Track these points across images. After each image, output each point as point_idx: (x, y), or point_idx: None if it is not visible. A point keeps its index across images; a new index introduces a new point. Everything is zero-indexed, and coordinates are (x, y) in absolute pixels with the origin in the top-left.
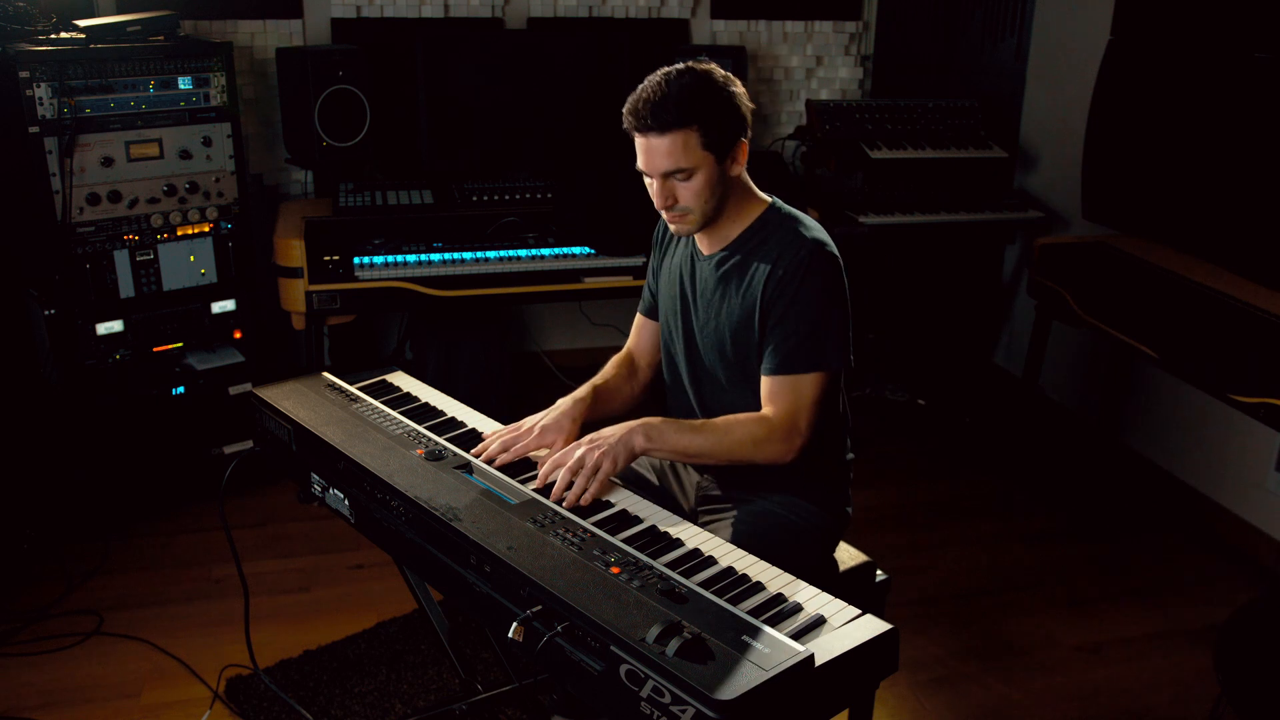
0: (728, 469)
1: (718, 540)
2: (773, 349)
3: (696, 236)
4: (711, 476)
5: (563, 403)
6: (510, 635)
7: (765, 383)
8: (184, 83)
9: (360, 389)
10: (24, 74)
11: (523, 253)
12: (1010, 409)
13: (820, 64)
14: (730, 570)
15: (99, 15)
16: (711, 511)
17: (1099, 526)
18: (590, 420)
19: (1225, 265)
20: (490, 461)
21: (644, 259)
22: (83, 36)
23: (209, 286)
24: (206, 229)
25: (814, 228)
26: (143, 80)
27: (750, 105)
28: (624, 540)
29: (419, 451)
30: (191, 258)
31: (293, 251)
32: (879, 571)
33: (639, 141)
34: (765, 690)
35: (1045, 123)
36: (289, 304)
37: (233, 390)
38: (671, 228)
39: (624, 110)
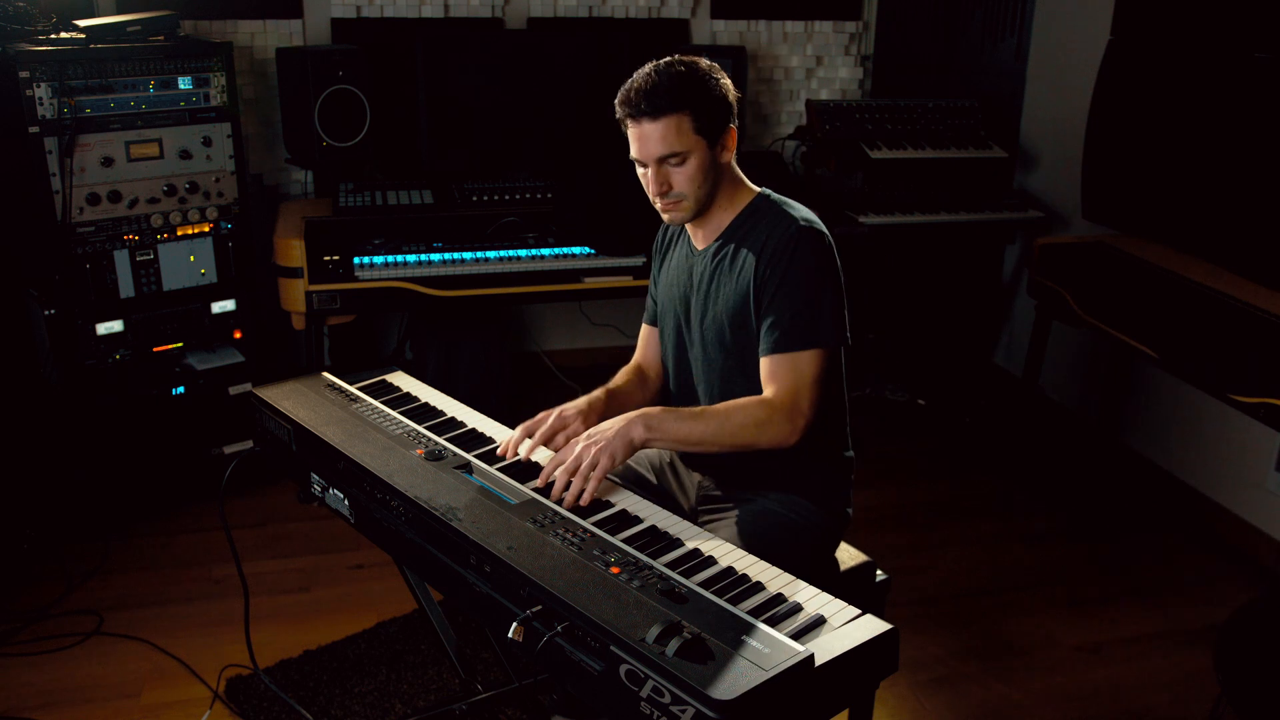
0: (728, 467)
1: (717, 540)
2: (768, 328)
3: (691, 234)
4: (713, 476)
5: (580, 400)
6: (510, 635)
7: (764, 364)
8: (184, 83)
9: (360, 389)
10: (24, 74)
11: (523, 253)
12: (1010, 409)
13: (820, 64)
14: (730, 570)
15: (99, 15)
16: (712, 511)
17: (1099, 526)
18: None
19: (1225, 265)
20: (504, 455)
21: (644, 259)
22: (83, 36)
23: (209, 286)
24: (206, 229)
25: (802, 210)
26: (143, 80)
27: (736, 94)
28: (624, 540)
29: (419, 451)
30: (191, 258)
31: (293, 251)
32: (879, 571)
33: (632, 130)
34: (765, 690)
35: (1045, 123)
36: (289, 304)
37: (233, 390)
38: (665, 217)
39: (616, 101)
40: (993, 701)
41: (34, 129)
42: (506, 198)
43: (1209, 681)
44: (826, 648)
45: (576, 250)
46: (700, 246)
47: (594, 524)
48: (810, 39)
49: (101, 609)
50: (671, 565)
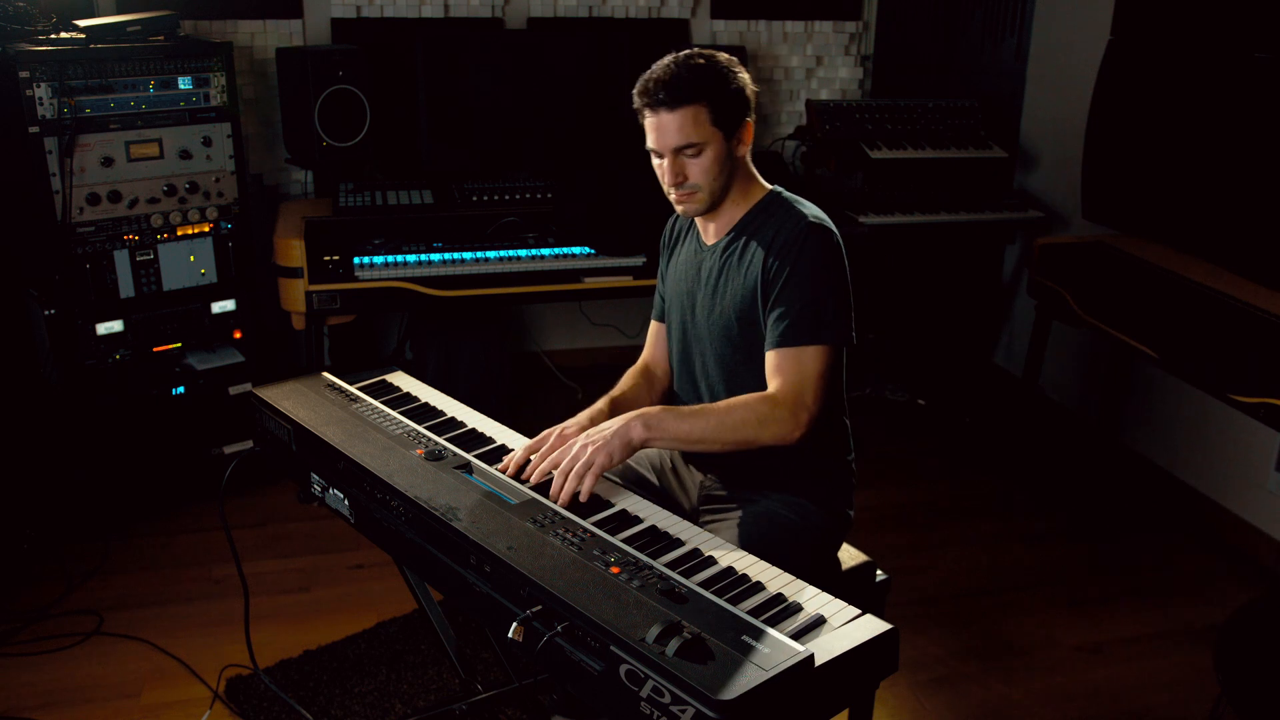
0: (732, 467)
1: (718, 540)
2: (774, 322)
3: (700, 228)
4: (715, 476)
5: (583, 414)
6: (510, 635)
7: (769, 357)
8: (184, 83)
9: (360, 389)
10: (24, 74)
11: (523, 253)
12: (1010, 409)
13: (820, 64)
14: (730, 570)
15: (99, 15)
16: (714, 511)
17: (1099, 526)
18: None
19: (1225, 265)
20: (518, 473)
21: (644, 259)
22: (83, 36)
23: (209, 286)
24: (206, 229)
25: (813, 208)
26: (143, 80)
27: (754, 88)
28: (624, 540)
29: (419, 451)
30: (191, 258)
31: (293, 251)
32: (879, 571)
33: (649, 120)
34: (765, 690)
35: (1045, 123)
36: (289, 304)
37: (233, 390)
38: (679, 209)
39: (634, 91)
40: (993, 701)
41: (34, 129)
42: (506, 198)
43: (1209, 681)
44: (826, 648)
45: (576, 250)
46: (710, 241)
47: (594, 524)
48: (810, 39)
49: (101, 609)
50: (671, 565)
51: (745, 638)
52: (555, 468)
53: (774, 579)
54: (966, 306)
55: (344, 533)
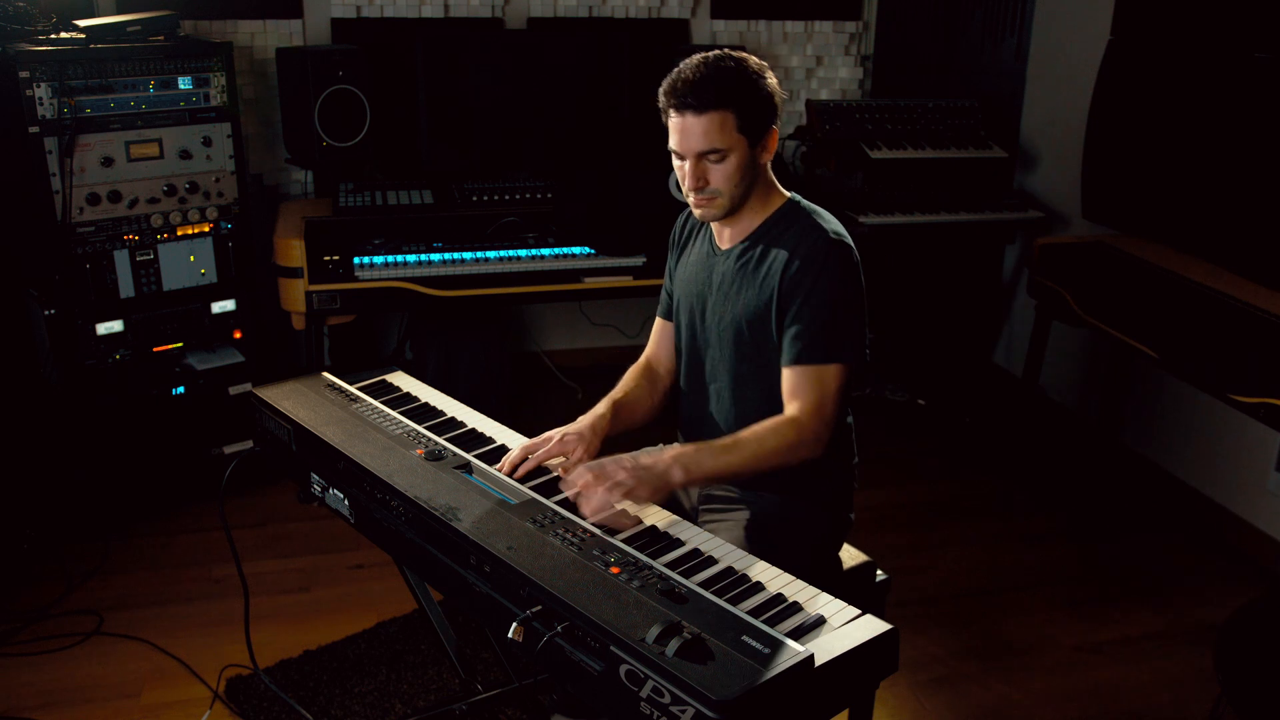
0: None
1: (718, 540)
2: (792, 338)
3: (715, 232)
4: None
5: (583, 418)
6: (510, 635)
7: (787, 375)
8: (184, 83)
9: (360, 389)
10: (24, 74)
11: (523, 253)
12: (1010, 409)
13: (820, 64)
14: (730, 570)
15: (99, 15)
16: (714, 511)
17: (1099, 526)
18: (612, 434)
19: (1225, 265)
20: (513, 470)
21: (644, 259)
22: (83, 36)
23: (209, 286)
24: (206, 229)
25: (834, 222)
26: (143, 80)
27: (783, 95)
28: (624, 540)
29: (419, 451)
30: (191, 258)
31: (293, 251)
32: (879, 571)
33: (674, 121)
34: (765, 690)
35: (1045, 123)
36: (289, 304)
37: (233, 390)
38: (697, 213)
39: (660, 90)
40: (993, 701)
41: (34, 129)
42: (506, 198)
43: (1209, 681)
44: (826, 648)
45: (576, 250)
46: (724, 246)
47: (594, 524)
48: (810, 39)
49: (101, 609)
50: (671, 565)
51: (745, 638)
52: (588, 485)
53: (774, 579)
54: (966, 306)
55: (344, 533)
